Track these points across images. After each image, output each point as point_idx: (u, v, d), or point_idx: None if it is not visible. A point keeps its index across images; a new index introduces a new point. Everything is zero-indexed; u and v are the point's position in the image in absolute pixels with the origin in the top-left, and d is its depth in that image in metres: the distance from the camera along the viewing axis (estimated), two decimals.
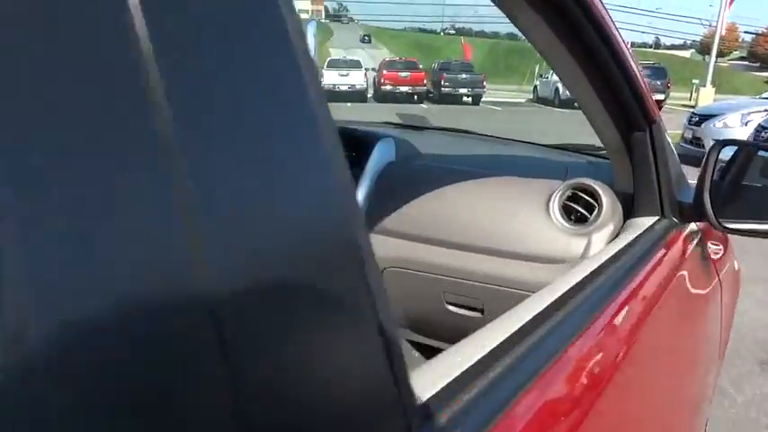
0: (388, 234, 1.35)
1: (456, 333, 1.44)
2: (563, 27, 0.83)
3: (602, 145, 1.31)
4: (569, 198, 1.20)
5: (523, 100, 23.87)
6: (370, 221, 1.36)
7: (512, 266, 1.21)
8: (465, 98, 19.97)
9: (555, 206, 1.19)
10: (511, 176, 1.29)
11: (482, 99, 20.47)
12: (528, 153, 1.61)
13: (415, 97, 19.80)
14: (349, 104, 16.69)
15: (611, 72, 0.93)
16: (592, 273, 0.83)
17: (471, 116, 15.00)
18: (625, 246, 0.98)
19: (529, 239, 1.19)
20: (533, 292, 1.21)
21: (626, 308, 0.79)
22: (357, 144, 1.44)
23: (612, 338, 0.73)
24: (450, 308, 1.35)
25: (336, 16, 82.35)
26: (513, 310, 0.67)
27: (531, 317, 0.64)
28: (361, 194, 1.37)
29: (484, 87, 20.35)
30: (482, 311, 1.31)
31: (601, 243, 1.15)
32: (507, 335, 0.57)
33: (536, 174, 1.31)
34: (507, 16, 0.82)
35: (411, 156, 1.49)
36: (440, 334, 1.49)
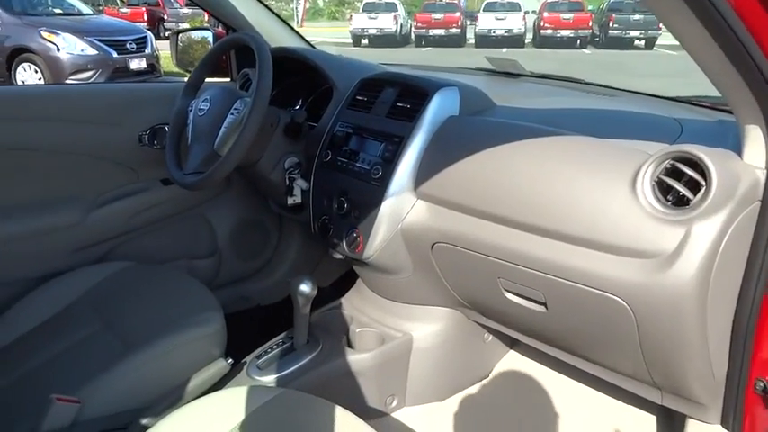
0: (439, 203, 1.13)
1: (524, 325, 1.21)
2: None
3: None
4: (668, 172, 0.88)
5: None
6: (421, 186, 1.14)
7: (580, 256, 0.93)
8: (637, 41, 17.98)
9: (644, 181, 0.88)
10: (596, 138, 0.99)
11: (657, 43, 18.28)
12: (638, 108, 1.26)
13: (578, 42, 18.20)
14: (504, 50, 15.84)
15: None
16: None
17: (634, 62, 13.39)
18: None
19: (605, 224, 0.90)
20: (607, 292, 0.94)
21: None
22: (412, 93, 1.22)
23: None
24: (509, 296, 1.11)
25: None
26: None
27: None
28: (411, 152, 1.16)
29: (660, 29, 18.06)
30: (546, 305, 1.05)
31: (705, 237, 0.83)
32: None
33: (634, 135, 1.00)
34: None
35: (480, 109, 1.23)
36: (509, 323, 1.26)
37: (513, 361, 1.55)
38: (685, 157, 0.86)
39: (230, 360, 1.21)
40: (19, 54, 6.35)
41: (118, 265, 1.47)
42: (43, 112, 1.46)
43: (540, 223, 0.97)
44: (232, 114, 1.28)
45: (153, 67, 7.04)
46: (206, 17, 15.83)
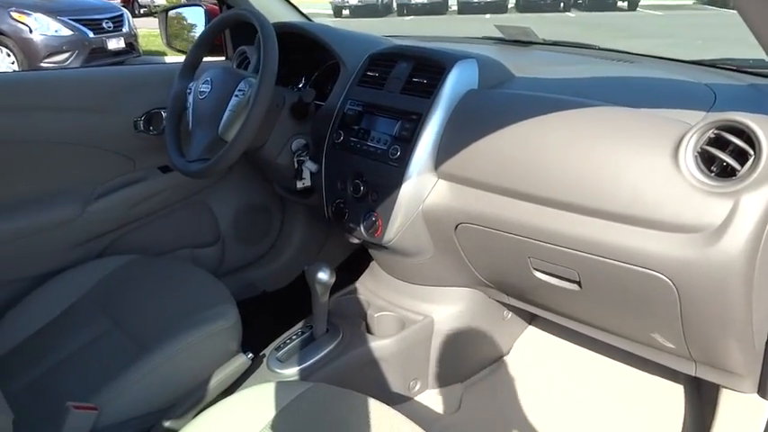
0: (462, 182, 1.08)
1: (552, 304, 1.18)
2: None
3: None
4: (711, 141, 0.84)
5: (691, 1, 20.72)
6: (442, 165, 1.09)
7: (619, 232, 0.89)
8: (620, 3, 17.87)
9: (688, 152, 0.84)
10: (629, 108, 0.94)
11: (640, 3, 18.17)
12: (665, 74, 1.20)
13: (561, 5, 18.06)
14: (488, 16, 15.61)
15: None
16: None
17: (618, 23, 13.26)
18: None
19: (647, 198, 0.86)
20: (648, 269, 0.91)
21: None
22: (428, 67, 1.16)
23: None
24: (540, 275, 1.07)
25: None
26: None
27: None
28: (430, 130, 1.10)
29: None
30: (579, 284, 1.02)
31: (755, 209, 0.79)
32: None
33: (667, 103, 0.95)
34: None
35: (500, 81, 1.17)
36: (534, 301, 1.23)
37: (532, 337, 1.52)
38: (731, 125, 0.81)
39: (250, 355, 1.17)
40: None
41: (122, 258, 1.41)
42: (30, 100, 1.38)
43: (575, 200, 0.92)
44: (236, 96, 1.21)
45: (132, 47, 6.82)
46: None
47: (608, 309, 1.04)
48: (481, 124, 1.04)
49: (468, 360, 1.41)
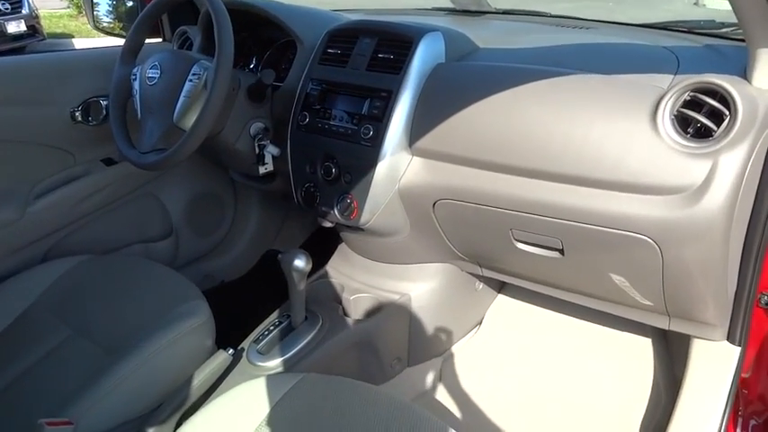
0: (437, 157, 1.07)
1: (531, 272, 1.19)
2: None
3: (730, 20, 0.95)
4: (687, 104, 0.86)
5: None
6: (417, 142, 1.07)
7: (603, 198, 0.91)
8: None
9: (665, 116, 0.86)
10: (602, 75, 0.95)
11: None
12: (623, 39, 1.23)
13: None
14: None
15: None
16: None
17: None
18: None
19: (629, 164, 0.87)
20: (632, 232, 0.93)
21: None
22: (394, 42, 1.12)
23: None
24: (521, 246, 1.08)
25: None
26: None
27: None
28: (401, 107, 1.07)
29: None
30: (561, 252, 1.03)
31: (733, 167, 0.83)
32: None
33: (635, 68, 0.97)
34: None
35: (466, 53, 1.16)
36: (511, 271, 1.24)
37: (503, 304, 1.55)
38: (706, 86, 0.84)
39: (231, 350, 1.12)
40: None
41: (72, 260, 1.31)
42: None
43: (558, 169, 0.93)
44: (191, 81, 1.14)
45: (34, 29, 6.30)
46: None
47: (587, 273, 1.07)
48: (454, 98, 1.03)
49: (444, 333, 1.42)
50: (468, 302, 1.46)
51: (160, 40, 1.60)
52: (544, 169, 0.95)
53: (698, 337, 1.11)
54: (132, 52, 1.25)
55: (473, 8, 1.52)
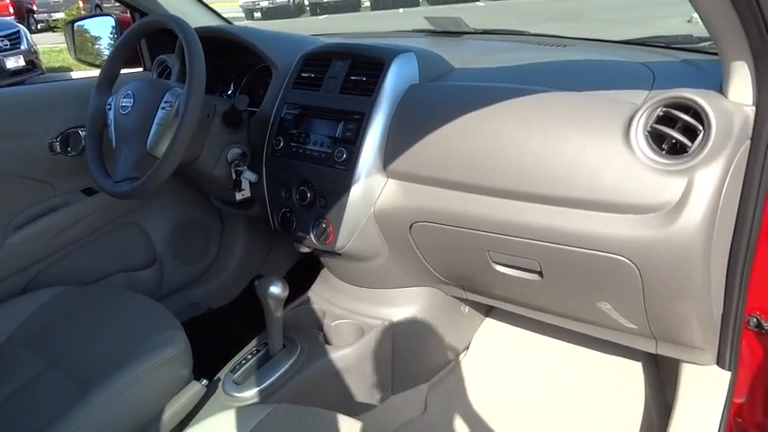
0: (413, 180, 1.05)
1: (513, 295, 1.16)
2: None
3: (704, 34, 0.93)
4: (660, 119, 0.84)
5: None
6: (391, 165, 1.06)
7: (578, 218, 0.89)
8: None
9: (638, 132, 0.84)
10: (575, 92, 0.94)
11: None
12: (599, 56, 1.22)
13: None
14: (401, 11, 15.71)
15: None
16: None
17: (525, 9, 13.62)
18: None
19: (603, 182, 0.85)
20: (609, 253, 0.90)
21: None
22: (366, 64, 1.12)
23: None
24: (500, 268, 1.05)
25: None
26: None
27: None
28: (374, 129, 1.06)
29: None
30: (540, 274, 1.01)
31: (709, 184, 0.80)
32: None
33: (609, 85, 0.96)
34: None
35: (440, 74, 1.15)
36: (494, 294, 1.21)
37: (490, 328, 1.52)
38: (679, 102, 0.82)
39: (205, 381, 1.09)
40: None
41: (51, 291, 1.29)
42: None
43: (531, 189, 0.91)
44: (163, 109, 1.13)
45: (33, 64, 6.38)
46: (81, 4, 14.59)
47: (569, 296, 1.04)
48: (427, 119, 1.02)
49: (430, 359, 1.38)
50: (454, 327, 1.43)
51: (141, 69, 1.60)
52: (516, 189, 0.92)
53: (687, 362, 1.08)
54: (108, 81, 1.24)
55: (452, 29, 1.52)
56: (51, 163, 1.39)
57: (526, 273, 1.02)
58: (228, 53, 1.39)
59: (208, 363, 1.23)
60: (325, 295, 1.39)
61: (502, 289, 1.15)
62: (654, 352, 1.08)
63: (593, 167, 0.86)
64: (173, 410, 1.04)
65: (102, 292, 1.36)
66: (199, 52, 1.07)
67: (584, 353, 1.40)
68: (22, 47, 6.28)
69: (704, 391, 1.05)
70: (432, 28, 1.57)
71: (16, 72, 6.12)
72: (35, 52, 6.53)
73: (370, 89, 1.07)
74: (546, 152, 0.89)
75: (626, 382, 1.32)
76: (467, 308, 1.45)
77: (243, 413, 0.89)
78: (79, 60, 1.68)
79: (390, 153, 1.05)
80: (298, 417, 0.88)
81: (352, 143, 1.07)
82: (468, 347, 1.48)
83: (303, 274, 1.52)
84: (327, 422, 0.87)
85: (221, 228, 1.85)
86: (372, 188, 1.08)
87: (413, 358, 1.34)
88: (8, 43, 6.11)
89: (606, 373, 1.35)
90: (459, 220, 1.01)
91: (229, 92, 1.43)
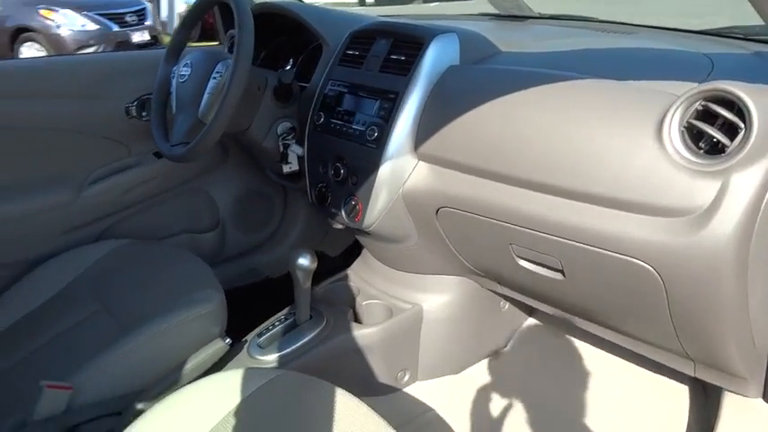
0: (442, 164, 1.03)
1: (540, 293, 1.11)
2: None
3: None
4: (699, 114, 0.76)
5: None
6: (421, 146, 1.04)
7: (600, 217, 0.83)
8: None
9: (673, 127, 0.77)
10: (614, 81, 0.87)
11: None
12: (662, 45, 1.12)
13: None
14: None
15: None
16: None
17: None
18: None
19: (629, 179, 0.79)
20: (630, 257, 0.84)
21: None
22: (406, 43, 1.10)
23: None
24: (523, 263, 1.01)
25: None
26: None
27: None
28: (408, 109, 1.05)
29: None
30: (563, 273, 0.95)
31: (746, 189, 0.72)
32: None
33: (657, 75, 0.88)
34: None
35: (484, 56, 1.11)
36: (523, 290, 1.17)
37: (532, 330, 1.46)
38: (719, 95, 0.74)
39: (228, 340, 1.15)
40: (21, 33, 6.25)
41: (115, 243, 1.41)
42: (24, 87, 1.38)
43: (555, 182, 0.86)
44: (214, 78, 1.18)
45: (156, 39, 6.87)
46: None
47: (594, 300, 0.97)
48: (460, 102, 0.99)
49: (461, 351, 1.35)
50: (490, 322, 1.39)
51: (217, 43, 1.68)
52: (539, 180, 0.88)
53: (730, 391, 0.98)
54: (174, 52, 1.32)
55: (515, 12, 1.46)
56: (127, 126, 1.51)
57: (548, 270, 0.97)
58: (288, 30, 1.42)
59: (252, 325, 1.29)
60: (362, 274, 1.40)
61: (529, 285, 1.10)
62: (693, 375, 0.99)
63: (618, 162, 0.80)
64: (194, 363, 1.10)
65: (159, 249, 1.45)
66: (248, 25, 1.11)
67: (631, 368, 1.30)
68: (147, 22, 6.79)
69: (747, 426, 0.95)
70: (497, 12, 1.52)
71: (141, 46, 6.63)
72: (164, 24, 7.02)
73: (407, 68, 1.06)
74: (570, 143, 0.84)
75: (670, 402, 1.22)
76: (507, 304, 1.40)
77: (250, 374, 0.92)
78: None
79: (422, 135, 1.04)
80: (300, 384, 0.90)
81: (385, 122, 1.06)
82: (505, 346, 1.43)
83: (356, 253, 1.54)
84: (327, 395, 0.87)
85: (284, 202, 1.91)
86: (402, 169, 1.07)
87: (441, 347, 1.32)
88: (135, 18, 6.62)
89: (651, 392, 1.25)
90: (483, 209, 0.98)
91: (287, 68, 1.47)
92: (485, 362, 1.39)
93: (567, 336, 1.41)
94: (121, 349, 1.06)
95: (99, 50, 6.21)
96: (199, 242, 1.73)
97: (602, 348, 1.35)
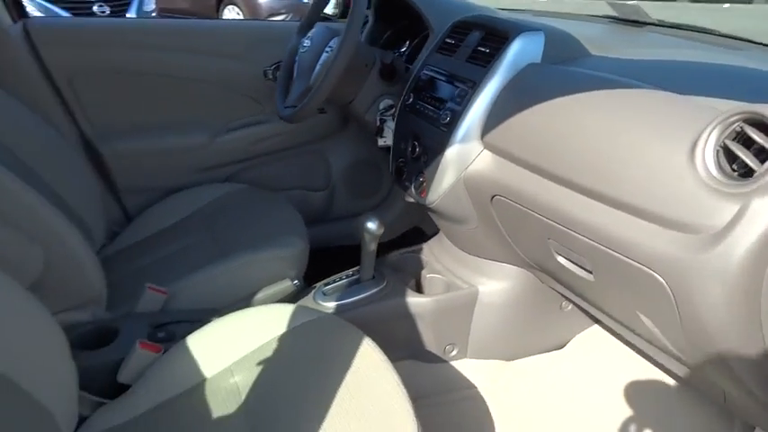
0: (503, 155, 1.08)
1: (579, 293, 1.12)
2: None
3: None
4: (737, 136, 0.75)
5: None
6: (487, 135, 1.10)
7: (625, 224, 0.84)
8: None
9: (708, 146, 0.76)
10: (668, 92, 0.86)
11: None
12: (761, 64, 1.04)
13: None
14: None
15: None
16: None
17: None
18: None
19: (656, 190, 0.80)
20: (644, 265, 0.84)
21: None
22: (494, 36, 1.15)
23: None
24: (560, 259, 1.04)
25: None
26: None
27: None
28: (481, 99, 1.11)
29: None
30: (591, 273, 0.97)
31: (764, 215, 0.70)
32: None
33: (721, 92, 0.85)
34: None
35: (569, 57, 1.13)
36: (564, 282, 1.18)
37: (593, 337, 1.45)
38: (758, 118, 0.72)
39: (296, 282, 1.31)
40: None
41: (233, 186, 1.65)
42: (184, 43, 1.65)
43: (587, 183, 0.89)
44: (326, 52, 1.33)
45: (345, 12, 7.34)
46: None
47: (619, 306, 0.98)
48: (531, 99, 1.03)
49: (513, 340, 1.39)
50: (548, 320, 1.40)
51: None
52: (575, 180, 0.91)
53: (756, 426, 0.93)
54: (307, 25, 1.50)
55: (633, 17, 1.42)
56: (264, 86, 1.73)
57: (580, 269, 0.99)
58: (409, 15, 1.53)
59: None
60: (434, 250, 1.49)
61: (568, 283, 1.12)
62: (722, 402, 0.96)
63: (646, 172, 0.80)
64: (264, 295, 1.29)
65: (268, 197, 1.67)
66: (359, 8, 1.23)
67: (688, 395, 1.25)
68: None
69: None
70: (616, 15, 1.48)
71: (329, 18, 7.13)
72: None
73: (489, 60, 1.12)
74: (615, 150, 0.85)
75: (712, 425, 1.16)
76: (569, 305, 1.40)
77: (298, 311, 1.06)
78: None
79: (490, 124, 1.10)
80: (336, 328, 1.02)
81: (459, 108, 1.14)
82: (562, 346, 1.44)
83: None
84: (358, 345, 0.97)
85: None
86: (467, 153, 1.14)
87: (494, 331, 1.37)
88: None
89: (698, 415, 1.20)
90: (529, 202, 1.02)
91: (403, 50, 1.58)
92: (538, 357, 1.42)
93: (629, 349, 1.38)
94: (211, 272, 1.28)
95: (287, 19, 6.82)
96: (310, 199, 1.93)
97: (660, 368, 1.31)
